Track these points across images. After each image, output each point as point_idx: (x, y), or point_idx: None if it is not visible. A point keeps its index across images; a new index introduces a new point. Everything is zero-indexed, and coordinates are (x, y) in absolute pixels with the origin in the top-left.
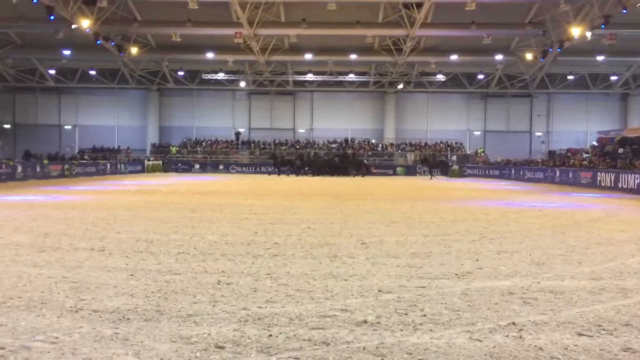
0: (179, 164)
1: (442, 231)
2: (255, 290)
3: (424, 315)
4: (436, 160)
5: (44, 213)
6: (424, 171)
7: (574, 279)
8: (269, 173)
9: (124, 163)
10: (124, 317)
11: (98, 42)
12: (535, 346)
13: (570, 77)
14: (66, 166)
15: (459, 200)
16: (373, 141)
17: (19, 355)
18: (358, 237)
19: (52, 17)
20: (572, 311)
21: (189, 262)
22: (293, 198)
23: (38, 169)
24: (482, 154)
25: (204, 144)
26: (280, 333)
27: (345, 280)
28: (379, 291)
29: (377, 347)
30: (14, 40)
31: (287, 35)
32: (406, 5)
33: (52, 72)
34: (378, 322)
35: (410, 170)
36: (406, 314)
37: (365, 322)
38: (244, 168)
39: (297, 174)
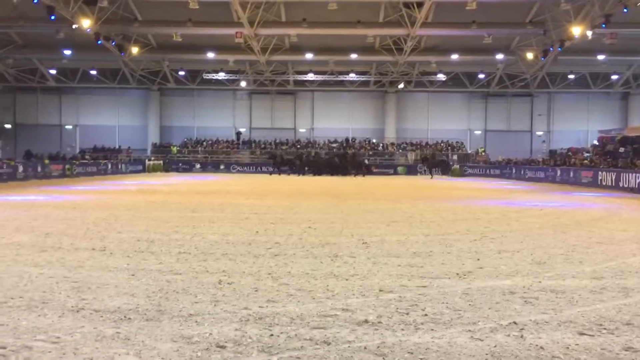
0: (180, 164)
1: (443, 230)
2: (256, 290)
3: (425, 315)
4: (436, 160)
5: (45, 213)
6: (425, 170)
7: (575, 278)
8: (270, 173)
9: (124, 163)
10: (125, 316)
11: (99, 42)
12: (537, 345)
13: (571, 77)
14: (67, 166)
15: (460, 199)
16: (374, 141)
17: (20, 355)
18: (359, 237)
19: (52, 17)
20: (574, 310)
21: (190, 262)
22: (294, 198)
23: (39, 169)
24: (483, 154)
25: (204, 143)
26: (282, 332)
27: (347, 279)
28: (380, 291)
29: (378, 347)
30: (14, 40)
31: (288, 34)
32: (407, 5)
33: (53, 72)
34: (379, 322)
35: (411, 170)
36: (407, 314)
37: (366, 321)
38: (245, 168)
39: (298, 174)
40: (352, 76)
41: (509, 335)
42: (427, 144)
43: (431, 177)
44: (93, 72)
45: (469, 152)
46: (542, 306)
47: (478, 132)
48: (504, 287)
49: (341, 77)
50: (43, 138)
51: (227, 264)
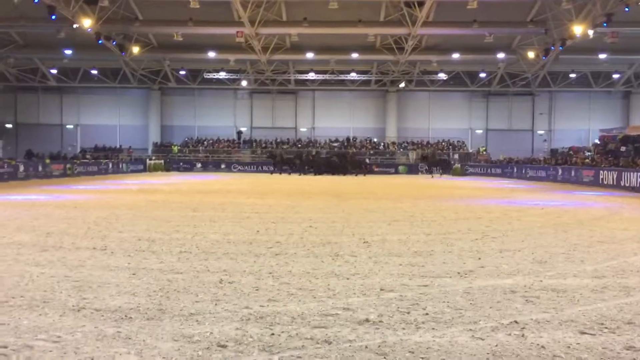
0: (181, 163)
1: (444, 230)
2: (257, 289)
3: (426, 314)
4: (436, 159)
5: (46, 212)
6: (425, 169)
7: (577, 278)
8: (271, 172)
9: (125, 162)
10: (126, 316)
11: (99, 41)
12: (538, 345)
13: (572, 75)
14: (68, 165)
15: (461, 198)
16: (375, 140)
17: (22, 354)
18: (360, 236)
19: (53, 17)
20: (575, 309)
21: (191, 261)
22: (295, 197)
23: (40, 168)
24: (484, 153)
25: (205, 143)
26: (283, 332)
27: (347, 279)
28: (381, 290)
29: (379, 346)
30: (15, 39)
31: (289, 34)
32: (408, 4)
33: (54, 71)
34: (380, 321)
35: (412, 169)
36: (408, 313)
37: (367, 320)
38: (246, 167)
39: (299, 173)
40: (353, 75)
41: (510, 335)
42: (428, 143)
43: (431, 177)
44: (94, 72)
45: (470, 151)
46: (544, 305)
47: (479, 131)
48: (505, 286)
49: (342, 77)
50: (44, 137)
51: (228, 263)
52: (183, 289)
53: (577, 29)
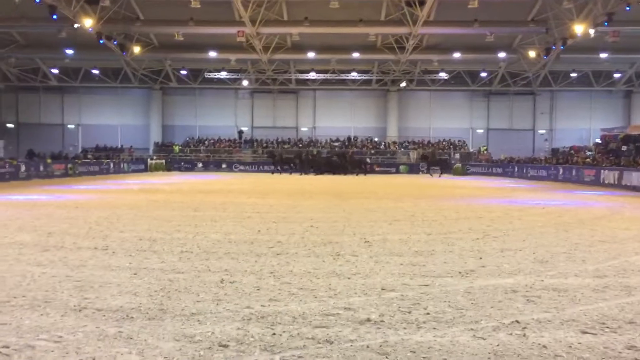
0: (182, 163)
1: (445, 229)
2: (258, 289)
3: (428, 314)
4: (436, 158)
5: (47, 212)
6: (425, 169)
7: (578, 277)
8: (272, 172)
9: (126, 162)
10: (127, 315)
11: (101, 41)
12: (539, 344)
13: (573, 75)
14: (69, 165)
15: (462, 198)
16: (376, 139)
17: (23, 354)
18: (361, 236)
19: (54, 17)
20: (576, 309)
21: (192, 261)
22: (296, 197)
23: (41, 168)
24: (485, 152)
25: (206, 142)
26: (284, 331)
27: (349, 278)
28: (382, 289)
29: (380, 346)
30: (16, 39)
31: (290, 33)
32: (409, 3)
33: (55, 71)
34: (381, 321)
35: (413, 169)
36: (409, 312)
37: (368, 320)
38: (247, 167)
39: (300, 173)
40: (353, 75)
41: (511, 334)
42: (429, 142)
43: (431, 176)
44: (95, 72)
45: (471, 150)
46: (545, 305)
47: (480, 131)
48: (506, 285)
49: (343, 76)
50: (45, 137)
51: (230, 263)
52: (184, 288)
53: (578, 28)
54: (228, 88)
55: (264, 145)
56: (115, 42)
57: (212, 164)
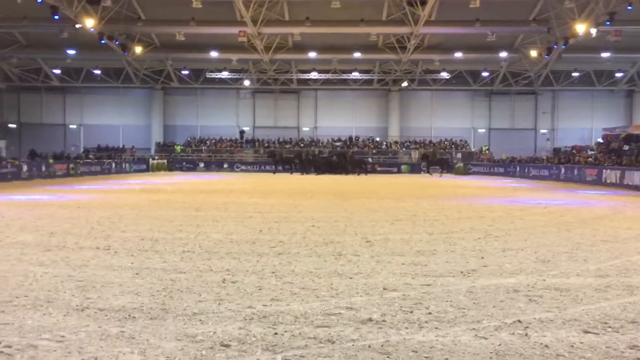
0: (184, 163)
1: (447, 229)
2: (260, 289)
3: (429, 313)
4: (437, 158)
5: (49, 212)
6: (426, 169)
7: (580, 277)
8: (274, 172)
9: (128, 162)
10: (129, 315)
11: (102, 41)
12: (541, 344)
13: (575, 74)
14: (71, 165)
15: (464, 197)
16: (377, 139)
17: (26, 354)
18: (363, 235)
19: (56, 17)
20: (578, 309)
21: (194, 261)
22: (297, 196)
23: (43, 168)
24: (487, 152)
25: (208, 142)
26: (286, 331)
27: (350, 278)
28: (384, 289)
29: (382, 345)
30: (18, 40)
31: (291, 33)
32: (410, 3)
33: (57, 71)
34: (383, 320)
35: (414, 168)
36: (411, 312)
37: (370, 320)
38: (249, 166)
39: (302, 173)
40: (355, 75)
41: (513, 334)
42: (430, 142)
43: (431, 176)
44: (97, 72)
45: (473, 150)
46: (547, 304)
47: (482, 130)
48: (508, 285)
49: (344, 76)
50: (47, 137)
51: (231, 263)
52: (186, 288)
53: (580, 28)
54: (229, 88)
55: (266, 145)
56: (116, 42)
57: (214, 164)
